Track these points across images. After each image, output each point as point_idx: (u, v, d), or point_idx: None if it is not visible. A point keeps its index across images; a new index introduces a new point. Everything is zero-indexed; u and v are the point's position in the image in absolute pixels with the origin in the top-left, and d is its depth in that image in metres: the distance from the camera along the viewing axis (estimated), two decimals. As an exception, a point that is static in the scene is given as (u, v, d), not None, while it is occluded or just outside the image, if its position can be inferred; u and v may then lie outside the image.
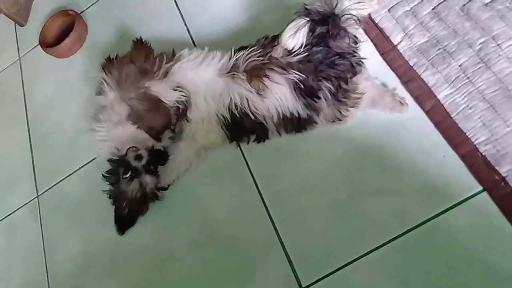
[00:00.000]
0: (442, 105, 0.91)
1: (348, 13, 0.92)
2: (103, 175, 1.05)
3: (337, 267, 0.88)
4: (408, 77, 0.96)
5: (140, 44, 1.07)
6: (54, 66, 1.43)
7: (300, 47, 0.90)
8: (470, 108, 0.89)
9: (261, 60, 0.93)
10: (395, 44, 0.99)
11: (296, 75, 0.89)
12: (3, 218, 1.29)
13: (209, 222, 1.02)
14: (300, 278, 0.90)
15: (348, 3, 0.92)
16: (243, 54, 0.95)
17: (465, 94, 0.90)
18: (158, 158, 1.03)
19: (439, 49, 0.95)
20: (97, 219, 1.14)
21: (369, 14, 1.02)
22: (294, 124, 0.95)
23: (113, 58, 1.05)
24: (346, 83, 0.91)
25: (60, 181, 1.25)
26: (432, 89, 0.93)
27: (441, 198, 0.85)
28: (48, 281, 1.14)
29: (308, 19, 0.88)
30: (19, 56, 1.55)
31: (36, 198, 1.26)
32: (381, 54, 1.00)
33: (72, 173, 1.23)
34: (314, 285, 0.88)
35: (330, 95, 0.91)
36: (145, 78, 0.98)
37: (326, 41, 0.90)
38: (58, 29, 1.45)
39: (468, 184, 0.85)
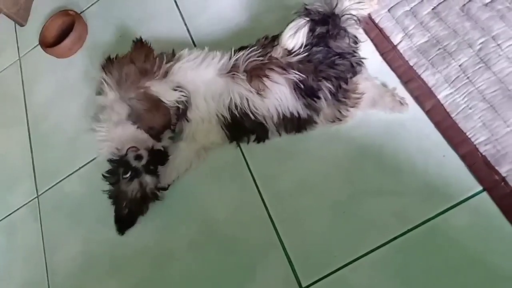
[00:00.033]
0: (442, 105, 0.91)
1: (348, 13, 0.92)
2: (103, 175, 1.05)
3: (337, 267, 0.88)
4: (408, 77, 0.96)
5: (140, 44, 1.07)
6: (54, 66, 1.43)
7: (300, 47, 0.90)
8: (470, 108, 0.89)
9: (261, 60, 0.93)
10: (395, 44, 0.99)
11: (296, 75, 0.89)
12: (3, 218, 1.29)
13: (209, 222, 1.02)
14: (300, 278, 0.90)
15: (348, 3, 0.92)
16: (243, 54, 0.95)
17: (465, 94, 0.90)
18: (158, 158, 1.03)
19: (439, 49, 0.95)
20: (97, 219, 1.14)
21: (369, 14, 1.02)
22: (294, 124, 0.95)
23: (113, 58, 1.05)
24: (346, 83, 0.91)
25: (60, 181, 1.25)
26: (432, 89, 0.93)
27: (441, 198, 0.85)
28: (48, 281, 1.14)
29: (308, 19, 0.88)
30: (19, 56, 1.55)
31: (36, 198, 1.26)
32: (381, 54, 1.00)
33: (72, 173, 1.23)
34: (314, 285, 0.88)
35: (330, 95, 0.91)
36: (145, 78, 0.98)
37: (326, 41, 0.90)
38: (58, 29, 1.46)
39: (468, 184, 0.85)
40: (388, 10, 1.03)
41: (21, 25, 1.59)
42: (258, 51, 0.94)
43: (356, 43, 0.94)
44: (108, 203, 1.07)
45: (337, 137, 0.97)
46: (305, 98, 0.91)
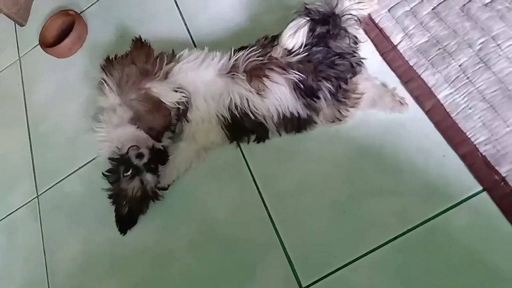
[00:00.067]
0: (442, 105, 0.91)
1: (348, 13, 0.92)
2: (103, 174, 1.05)
3: (337, 267, 0.88)
4: (408, 77, 0.96)
5: (140, 44, 1.07)
6: (54, 66, 1.43)
7: (300, 47, 0.90)
8: (470, 108, 0.89)
9: (261, 60, 0.93)
10: (395, 44, 0.99)
11: (296, 75, 0.89)
12: (3, 218, 1.29)
13: (209, 222, 1.02)
14: (300, 278, 0.90)
15: (348, 3, 0.92)
16: (243, 54, 0.95)
17: (465, 94, 0.90)
18: (159, 157, 1.03)
19: (439, 49, 0.95)
20: (97, 219, 1.14)
21: (369, 14, 1.02)
22: (294, 124, 0.95)
23: (112, 58, 1.05)
24: (346, 83, 0.91)
25: (60, 181, 1.25)
26: (432, 89, 0.93)
27: (441, 198, 0.85)
28: (48, 281, 1.14)
29: (308, 18, 0.88)
30: (19, 56, 1.55)
31: (36, 198, 1.26)
32: (381, 54, 1.00)
33: (72, 172, 1.23)
34: (314, 285, 0.88)
35: (330, 95, 0.91)
36: (146, 79, 0.98)
37: (326, 41, 0.90)
38: (58, 29, 1.45)
39: (468, 184, 0.85)
40: (388, 10, 1.03)
41: (21, 25, 1.59)
42: (258, 51, 0.94)
43: (356, 43, 0.94)
44: (108, 202, 1.07)
45: (337, 137, 0.97)
46: (305, 98, 0.91)
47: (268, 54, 0.92)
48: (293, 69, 0.90)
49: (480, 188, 0.84)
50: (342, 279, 0.87)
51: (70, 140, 1.28)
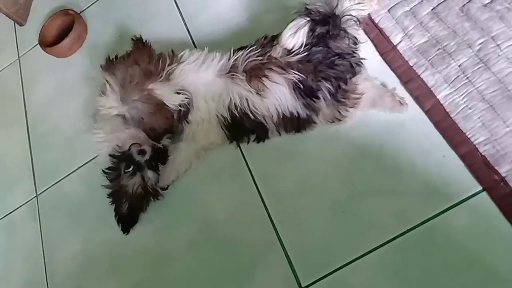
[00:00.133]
0: (441, 105, 0.91)
1: (348, 14, 0.92)
2: (103, 171, 1.05)
3: (337, 267, 0.88)
4: (408, 77, 0.96)
5: (141, 45, 1.07)
6: (53, 66, 1.43)
7: (300, 47, 0.90)
8: (470, 108, 0.89)
9: (260, 60, 0.93)
10: (394, 44, 1.00)
11: (296, 75, 0.89)
12: (2, 218, 1.29)
13: (209, 222, 1.02)
14: (300, 278, 0.90)
15: (348, 3, 0.92)
16: (242, 54, 0.95)
17: (464, 94, 0.90)
18: (161, 155, 1.03)
19: (439, 49, 0.95)
20: (97, 218, 1.14)
21: (368, 14, 1.02)
22: (294, 124, 0.95)
23: (112, 58, 1.05)
24: (346, 84, 0.91)
25: (60, 180, 1.24)
26: (431, 89, 0.93)
27: (440, 198, 0.85)
28: (47, 280, 1.14)
29: (308, 18, 0.89)
30: (18, 56, 1.55)
31: (35, 198, 1.26)
32: (381, 54, 1.00)
33: (72, 172, 1.23)
34: (314, 285, 0.88)
35: (330, 95, 0.91)
36: (149, 80, 0.98)
37: (326, 41, 0.90)
38: (57, 28, 1.45)
39: (467, 184, 0.85)
40: (388, 11, 1.03)
41: (21, 25, 1.59)
42: (257, 51, 0.94)
43: (355, 43, 0.94)
44: (107, 202, 1.07)
45: (337, 137, 0.97)
46: (304, 98, 0.91)
47: (268, 54, 0.92)
48: (293, 69, 0.90)
49: (480, 188, 0.84)
50: (341, 279, 0.87)
51: (70, 140, 1.28)
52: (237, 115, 0.94)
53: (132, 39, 1.09)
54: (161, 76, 0.98)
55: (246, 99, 0.92)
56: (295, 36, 0.89)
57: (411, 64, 0.96)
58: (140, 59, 1.01)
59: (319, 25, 0.89)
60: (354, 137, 0.96)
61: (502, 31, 0.92)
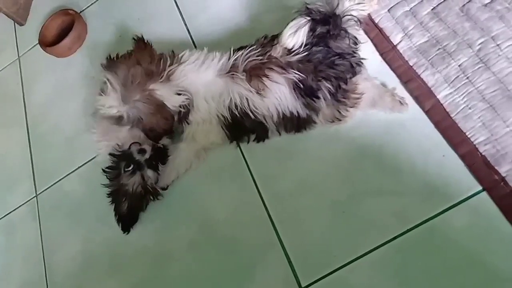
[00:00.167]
0: (441, 105, 0.91)
1: (349, 14, 0.92)
2: (103, 170, 1.05)
3: (337, 267, 0.88)
4: (408, 77, 0.96)
5: (143, 45, 1.07)
6: (53, 66, 1.43)
7: (300, 47, 0.90)
8: (470, 108, 0.89)
9: (261, 60, 0.93)
10: (394, 44, 1.00)
11: (296, 75, 0.89)
12: (2, 218, 1.29)
13: (209, 222, 1.02)
14: (300, 278, 0.90)
15: (349, 3, 0.92)
16: (242, 53, 0.95)
17: (464, 94, 0.90)
18: (161, 154, 1.03)
19: (439, 49, 0.95)
20: (97, 218, 1.13)
21: (368, 14, 1.02)
22: (294, 124, 0.95)
23: (113, 57, 1.05)
24: (346, 83, 0.91)
25: (59, 180, 1.24)
26: (431, 89, 0.93)
27: (440, 198, 0.85)
28: (46, 280, 1.14)
29: (309, 18, 0.89)
30: (18, 56, 1.55)
31: (35, 198, 1.26)
32: (381, 54, 1.00)
33: (71, 172, 1.23)
34: (314, 285, 0.88)
35: (330, 95, 0.91)
36: (150, 81, 0.97)
37: (326, 41, 0.90)
38: (57, 28, 1.45)
39: (467, 184, 0.85)
40: (388, 10, 1.03)
41: (21, 24, 1.59)
42: (257, 51, 0.94)
43: (356, 44, 0.94)
44: (107, 202, 1.07)
45: (337, 137, 0.97)
46: (305, 98, 0.91)
47: (268, 54, 0.92)
48: (293, 69, 0.90)
49: (480, 188, 0.84)
50: (341, 279, 0.87)
51: (69, 140, 1.28)
52: (238, 114, 0.94)
53: (134, 38, 1.09)
54: (162, 77, 0.98)
55: (247, 99, 0.92)
56: (295, 36, 0.89)
57: (411, 64, 0.96)
58: (142, 59, 1.00)
59: (319, 25, 0.89)
60: (354, 137, 0.96)
61: (502, 31, 0.92)
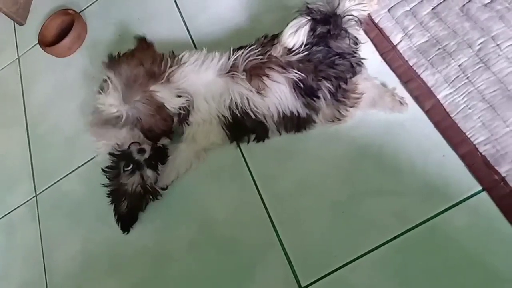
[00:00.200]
0: (441, 105, 0.91)
1: (349, 14, 0.92)
2: (103, 170, 1.05)
3: (337, 267, 0.87)
4: (408, 77, 0.96)
5: (146, 45, 1.07)
6: (53, 65, 1.43)
7: (300, 46, 0.90)
8: (470, 108, 0.89)
9: (261, 59, 0.93)
10: (394, 44, 1.00)
11: (296, 74, 0.89)
12: (1, 217, 1.29)
13: (208, 222, 1.02)
14: (300, 278, 0.90)
15: (349, 3, 0.92)
16: (242, 53, 0.95)
17: (464, 94, 0.90)
18: (160, 154, 1.03)
19: (439, 49, 0.95)
20: (96, 218, 1.13)
21: (368, 14, 1.02)
22: (294, 123, 0.95)
23: (115, 56, 1.04)
24: (346, 83, 0.91)
25: (59, 180, 1.24)
26: (431, 89, 0.93)
27: (440, 198, 0.85)
28: (46, 280, 1.14)
29: (309, 18, 0.89)
30: (18, 55, 1.54)
31: (35, 198, 1.26)
32: (381, 54, 1.00)
33: (71, 172, 1.23)
34: (314, 285, 0.88)
35: (330, 95, 0.91)
36: (151, 82, 0.97)
37: (326, 41, 0.90)
38: (57, 28, 1.45)
39: (467, 184, 0.85)
40: (388, 10, 1.03)
41: (20, 24, 1.59)
42: (258, 50, 0.94)
43: (356, 44, 0.94)
44: (107, 202, 1.06)
45: (337, 137, 0.97)
46: (305, 98, 0.91)
47: (268, 53, 0.92)
48: (293, 68, 0.90)
49: (480, 188, 0.84)
50: (341, 279, 0.86)
51: (69, 140, 1.28)
52: (238, 114, 0.94)
53: (137, 39, 1.08)
54: (163, 78, 0.97)
55: (247, 98, 0.92)
56: (295, 35, 0.89)
57: (411, 64, 0.96)
58: (144, 59, 1.00)
59: (320, 25, 0.89)
60: (354, 137, 0.96)
61: (502, 31, 0.92)
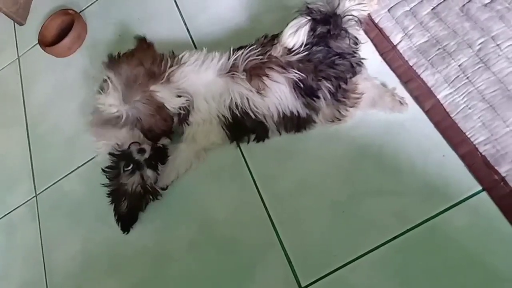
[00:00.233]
0: (441, 105, 0.91)
1: (349, 14, 0.92)
2: (103, 170, 1.05)
3: (337, 267, 0.87)
4: (408, 77, 0.96)
5: (146, 45, 1.07)
6: (53, 65, 1.43)
7: (300, 46, 0.90)
8: (470, 108, 0.89)
9: (261, 59, 0.93)
10: (394, 44, 1.00)
11: (296, 74, 0.89)
12: (1, 217, 1.29)
13: (208, 222, 1.02)
14: (300, 278, 0.90)
15: (349, 3, 0.92)
16: (242, 53, 0.95)
17: (464, 94, 0.90)
18: (160, 154, 1.03)
19: (439, 49, 0.95)
20: (96, 218, 1.13)
21: (368, 14, 1.02)
22: (294, 123, 0.95)
23: (115, 56, 1.04)
24: (346, 83, 0.91)
25: (59, 180, 1.24)
26: (431, 89, 0.93)
27: (440, 198, 0.85)
28: (46, 280, 1.14)
29: (309, 18, 0.89)
30: (18, 55, 1.55)
31: (35, 198, 1.26)
32: (381, 54, 1.00)
33: (71, 172, 1.23)
34: (314, 284, 0.88)
35: (330, 95, 0.91)
36: (151, 82, 0.97)
37: (326, 41, 0.90)
38: (57, 28, 1.45)
39: (467, 184, 0.85)
40: (388, 10, 1.03)
41: (20, 24, 1.59)
42: (258, 50, 0.94)
43: (356, 44, 0.94)
44: (107, 202, 1.06)
45: (337, 137, 0.97)
46: (305, 97, 0.91)
47: (268, 53, 0.92)
48: (293, 68, 0.90)
49: (480, 188, 0.84)
50: (341, 279, 0.86)
51: (69, 140, 1.28)
52: (238, 114, 0.94)
53: (137, 39, 1.08)
54: (163, 78, 0.97)
55: (247, 98, 0.92)
56: (295, 35, 0.89)
57: (411, 64, 0.96)
58: (144, 59, 1.00)
59: (320, 25, 0.89)
60: (354, 137, 0.96)
61: (502, 31, 0.92)
